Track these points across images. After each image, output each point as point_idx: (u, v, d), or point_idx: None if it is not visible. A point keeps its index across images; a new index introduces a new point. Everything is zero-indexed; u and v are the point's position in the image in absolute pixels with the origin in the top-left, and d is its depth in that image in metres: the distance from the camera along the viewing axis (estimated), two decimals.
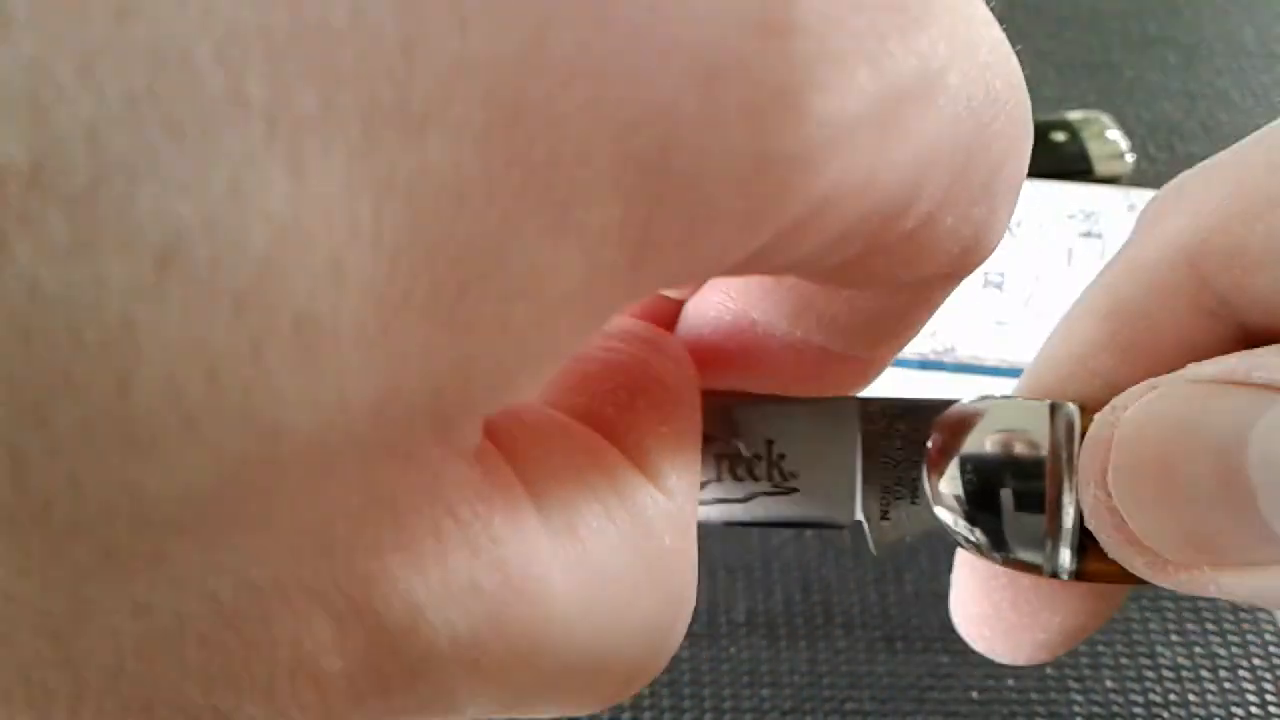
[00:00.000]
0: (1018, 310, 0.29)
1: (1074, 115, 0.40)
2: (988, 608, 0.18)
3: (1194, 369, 0.15)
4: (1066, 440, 0.16)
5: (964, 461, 0.17)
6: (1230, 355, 0.15)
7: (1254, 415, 0.14)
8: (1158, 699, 0.29)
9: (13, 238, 0.06)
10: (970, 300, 0.29)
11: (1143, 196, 0.31)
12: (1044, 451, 0.16)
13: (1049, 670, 0.29)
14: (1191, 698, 0.29)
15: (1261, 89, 0.46)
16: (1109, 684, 0.29)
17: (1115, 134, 0.39)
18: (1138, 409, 0.15)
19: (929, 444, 0.17)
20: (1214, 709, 0.29)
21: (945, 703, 0.28)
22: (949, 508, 0.17)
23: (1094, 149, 0.39)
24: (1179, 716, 0.29)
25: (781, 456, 0.17)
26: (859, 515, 0.17)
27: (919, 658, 0.29)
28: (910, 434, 0.17)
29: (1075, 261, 0.30)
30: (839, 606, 0.30)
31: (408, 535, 0.09)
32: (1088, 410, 0.16)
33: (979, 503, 0.17)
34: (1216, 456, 0.14)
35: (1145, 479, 0.15)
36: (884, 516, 0.17)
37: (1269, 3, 0.50)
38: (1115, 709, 0.29)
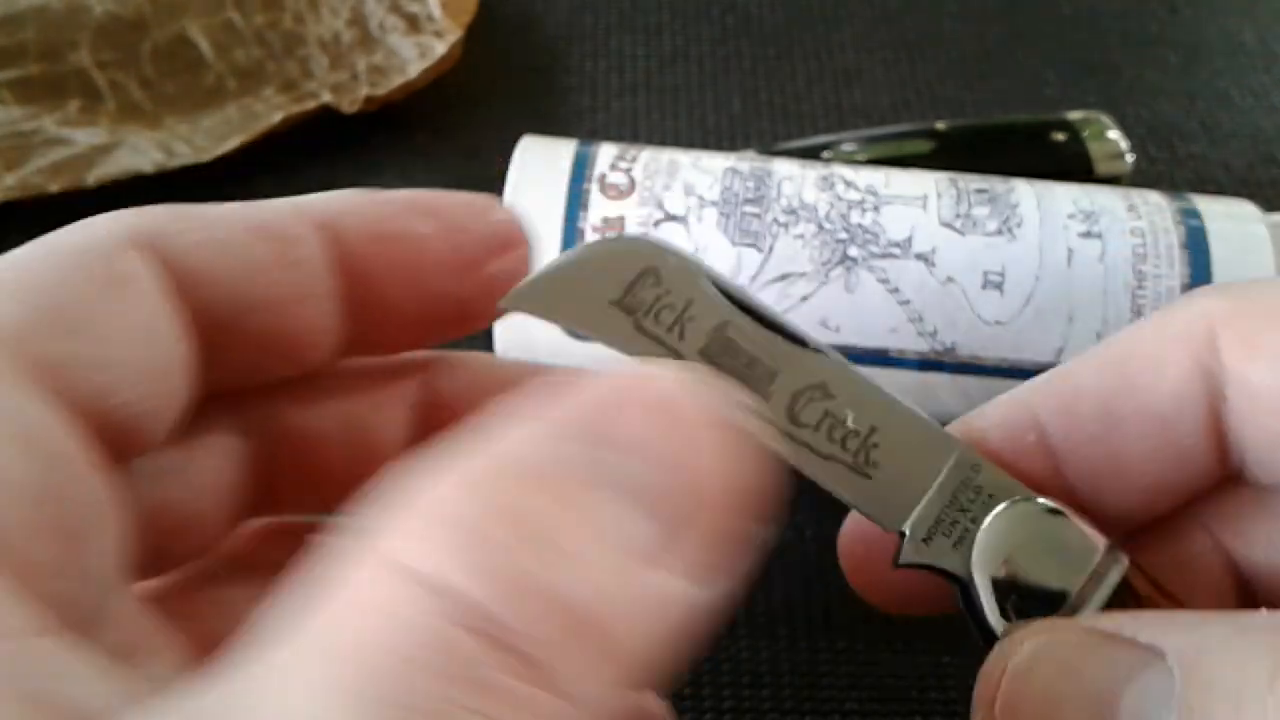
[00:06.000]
0: (1018, 310, 0.29)
1: (1074, 115, 0.40)
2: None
3: (1090, 619, 0.17)
4: (1101, 579, 0.18)
5: (1011, 555, 0.18)
6: (1123, 614, 0.17)
7: (1132, 673, 0.15)
8: None
9: None
10: (970, 300, 0.29)
11: (1143, 196, 0.31)
12: (1076, 584, 0.18)
13: None
14: None
15: (1261, 89, 0.46)
16: None
17: (1115, 134, 0.39)
18: (1032, 646, 0.17)
19: (993, 515, 0.19)
20: None
21: (945, 703, 0.28)
22: (981, 577, 0.18)
23: (1094, 149, 0.39)
24: None
25: (875, 445, 0.19)
26: (906, 528, 0.18)
27: (919, 658, 0.29)
28: (987, 498, 0.19)
29: (1075, 261, 0.30)
30: (839, 606, 0.30)
31: None
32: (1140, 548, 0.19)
33: (1005, 588, 0.18)
34: (1093, 703, 0.16)
35: (1028, 714, 0.16)
36: (926, 540, 0.18)
37: (1269, 3, 0.50)
38: None
